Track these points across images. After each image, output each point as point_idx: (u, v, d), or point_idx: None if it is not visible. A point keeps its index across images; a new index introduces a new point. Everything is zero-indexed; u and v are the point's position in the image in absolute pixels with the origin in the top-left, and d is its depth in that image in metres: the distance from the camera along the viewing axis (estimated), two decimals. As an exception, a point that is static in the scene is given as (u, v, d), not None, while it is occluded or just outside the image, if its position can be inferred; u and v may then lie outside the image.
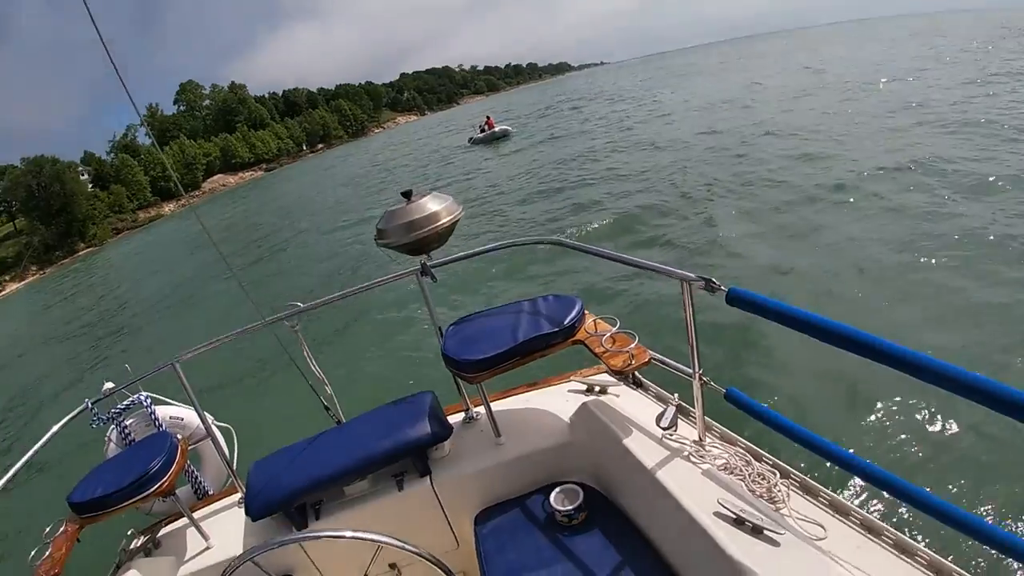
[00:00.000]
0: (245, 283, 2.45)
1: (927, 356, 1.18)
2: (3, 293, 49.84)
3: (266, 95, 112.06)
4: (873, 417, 4.47)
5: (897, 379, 1.37)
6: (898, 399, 4.52)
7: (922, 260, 6.87)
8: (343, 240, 18.59)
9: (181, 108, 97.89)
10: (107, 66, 1.80)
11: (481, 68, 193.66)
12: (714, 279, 1.68)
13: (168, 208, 75.73)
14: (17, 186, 58.14)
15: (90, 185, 69.32)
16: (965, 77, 20.15)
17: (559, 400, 2.59)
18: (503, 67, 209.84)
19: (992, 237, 7.13)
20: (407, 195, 2.25)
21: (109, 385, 2.86)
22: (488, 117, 35.34)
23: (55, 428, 2.55)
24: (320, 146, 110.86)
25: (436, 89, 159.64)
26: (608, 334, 2.17)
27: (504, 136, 32.67)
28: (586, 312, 2.34)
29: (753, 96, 25.55)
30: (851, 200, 9.49)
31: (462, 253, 2.76)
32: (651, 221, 10.92)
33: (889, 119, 15.48)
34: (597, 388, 2.57)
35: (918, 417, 4.36)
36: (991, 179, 9.22)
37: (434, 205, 2.20)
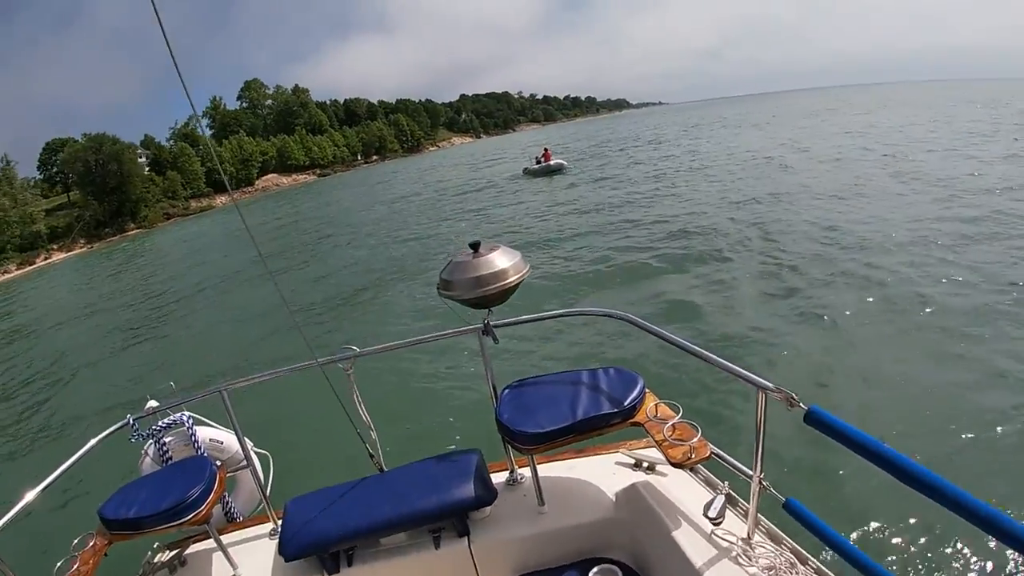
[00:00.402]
0: (301, 322, 2.19)
1: None
2: (49, 261, 49.89)
3: (327, 102, 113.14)
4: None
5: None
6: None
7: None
8: (380, 256, 18.46)
9: (244, 105, 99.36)
10: (171, 58, 1.73)
11: (540, 97, 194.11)
12: (795, 395, 1.62)
13: (220, 200, 75.72)
14: (76, 160, 58.44)
15: (147, 168, 69.53)
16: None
17: (606, 472, 2.58)
18: (562, 98, 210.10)
19: None
20: (475, 247, 2.32)
21: (153, 404, 2.85)
22: (546, 150, 34.47)
23: (93, 441, 2.54)
24: (375, 157, 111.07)
25: (494, 113, 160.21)
26: (670, 423, 2.12)
27: (559, 170, 31.94)
28: (647, 391, 2.30)
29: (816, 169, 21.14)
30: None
31: (526, 316, 2.72)
32: (713, 291, 9.83)
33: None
34: (645, 464, 2.54)
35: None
36: None
37: (502, 261, 2.25)
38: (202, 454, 2.93)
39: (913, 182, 15.80)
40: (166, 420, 2.95)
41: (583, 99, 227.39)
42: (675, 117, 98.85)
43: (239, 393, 2.63)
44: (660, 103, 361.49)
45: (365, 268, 16.98)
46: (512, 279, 2.21)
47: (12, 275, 46.30)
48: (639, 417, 2.19)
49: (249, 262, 21.94)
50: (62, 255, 51.09)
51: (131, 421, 2.74)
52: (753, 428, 1.79)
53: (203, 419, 3.13)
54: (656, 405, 2.23)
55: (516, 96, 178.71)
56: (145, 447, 3.00)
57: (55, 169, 66.90)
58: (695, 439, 2.02)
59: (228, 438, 3.11)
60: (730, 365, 1.87)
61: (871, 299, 8.33)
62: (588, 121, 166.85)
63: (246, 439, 2.85)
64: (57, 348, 16.31)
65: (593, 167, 34.18)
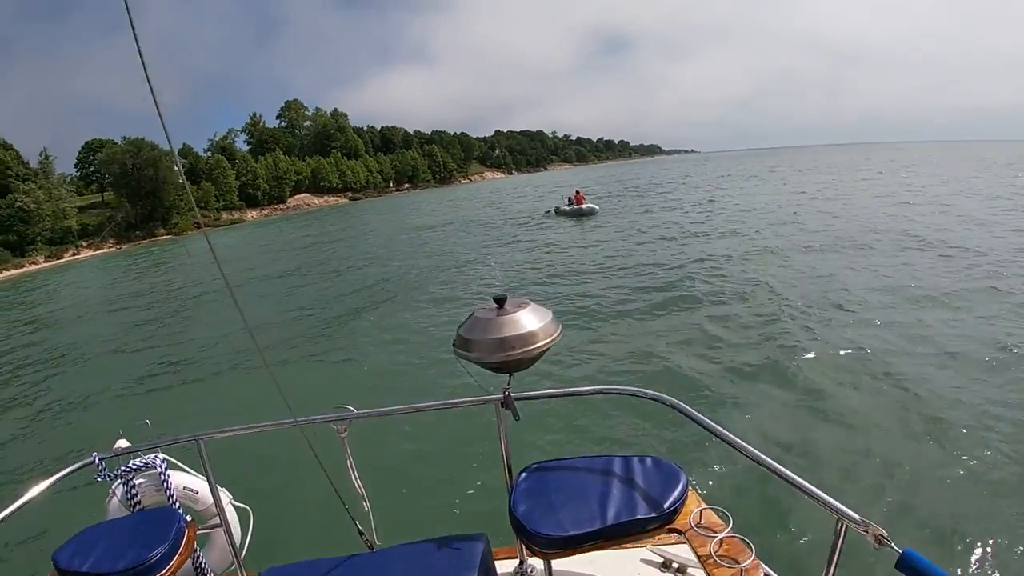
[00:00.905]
0: (278, 378, 1.90)
1: None
2: (77, 257, 49.80)
3: (364, 127, 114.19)
4: None
5: None
6: None
7: None
8: (395, 285, 18.00)
9: (283, 124, 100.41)
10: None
11: (573, 138, 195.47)
12: (885, 533, 1.37)
13: (251, 215, 76.11)
14: (113, 162, 58.71)
15: (182, 177, 69.79)
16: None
17: (628, 572, 2.23)
18: (595, 140, 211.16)
19: None
20: (500, 302, 2.05)
21: (123, 444, 2.63)
22: (577, 192, 34.02)
23: (55, 478, 2.36)
24: (407, 185, 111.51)
25: (527, 151, 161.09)
26: (718, 537, 1.84)
27: (591, 214, 31.27)
28: (691, 490, 1.94)
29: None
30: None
31: (553, 391, 2.45)
32: (778, 372, 8.19)
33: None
34: (675, 565, 2.19)
35: None
36: None
37: (531, 322, 1.98)
38: (174, 503, 2.71)
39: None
40: (137, 461, 2.72)
41: (616, 142, 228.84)
42: (708, 166, 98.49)
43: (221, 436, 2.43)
44: (692, 151, 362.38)
45: (378, 296, 16.27)
46: (541, 343, 1.95)
47: (39, 267, 46.46)
48: (680, 522, 1.86)
49: (272, 278, 22.68)
50: (91, 252, 51.01)
51: (96, 460, 2.52)
52: (822, 557, 1.53)
53: (178, 463, 2.90)
54: (701, 511, 1.95)
55: (550, 135, 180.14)
56: (113, 487, 2.78)
57: (92, 168, 67.27)
58: (748, 560, 1.77)
59: (203, 486, 2.79)
60: (803, 483, 1.59)
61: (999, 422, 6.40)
62: (619, 165, 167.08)
63: (224, 491, 2.71)
64: (64, 343, 16.66)
65: (630, 209, 34.00)
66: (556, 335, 2.00)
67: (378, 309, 15.02)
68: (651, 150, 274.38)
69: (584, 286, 14.76)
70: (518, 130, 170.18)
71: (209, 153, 79.75)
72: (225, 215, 72.06)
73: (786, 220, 23.07)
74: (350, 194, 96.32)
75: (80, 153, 69.08)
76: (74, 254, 49.77)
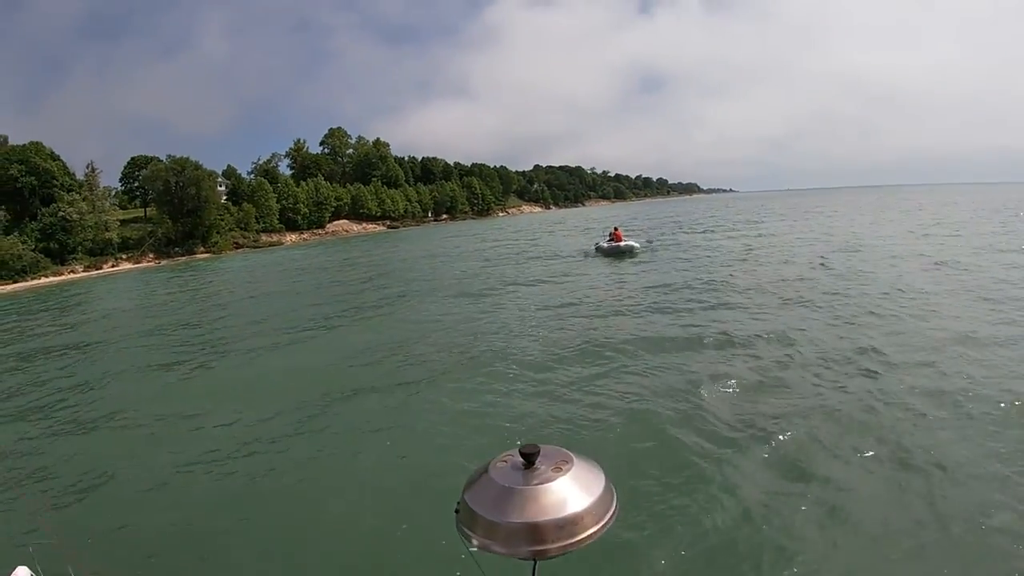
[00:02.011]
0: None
1: None
2: (116, 269, 50.35)
3: (405, 157, 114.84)
4: None
5: None
6: None
7: None
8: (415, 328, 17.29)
9: (326, 151, 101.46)
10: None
11: (612, 174, 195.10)
12: None
13: (290, 238, 76.24)
14: (157, 179, 59.54)
15: (224, 197, 70.65)
16: None
17: None
18: (633, 177, 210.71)
19: None
20: (528, 458, 1.45)
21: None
22: (616, 229, 32.93)
23: None
24: (444, 216, 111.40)
25: (565, 186, 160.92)
26: None
27: (629, 252, 30.54)
28: None
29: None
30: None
31: None
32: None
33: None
34: None
35: None
36: None
37: (576, 498, 1.38)
38: None
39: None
40: None
41: (654, 180, 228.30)
42: (740, 207, 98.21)
43: None
44: (731, 190, 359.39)
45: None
46: (590, 531, 1.36)
47: (78, 276, 47.14)
48: None
49: (305, 303, 23.12)
50: (129, 265, 51.55)
51: None
52: None
53: None
54: None
55: (588, 171, 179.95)
56: None
57: (136, 184, 68.70)
58: None
59: None
60: None
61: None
62: (655, 202, 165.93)
63: None
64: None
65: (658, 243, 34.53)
66: (611, 515, 1.40)
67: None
68: (689, 188, 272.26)
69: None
70: (557, 165, 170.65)
71: (252, 175, 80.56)
72: (264, 237, 72.24)
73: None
74: (388, 222, 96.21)
75: (125, 168, 71.04)
76: (113, 265, 50.35)
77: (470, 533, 1.40)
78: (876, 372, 9.98)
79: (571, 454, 1.48)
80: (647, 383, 10.38)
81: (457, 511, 1.46)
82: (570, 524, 1.33)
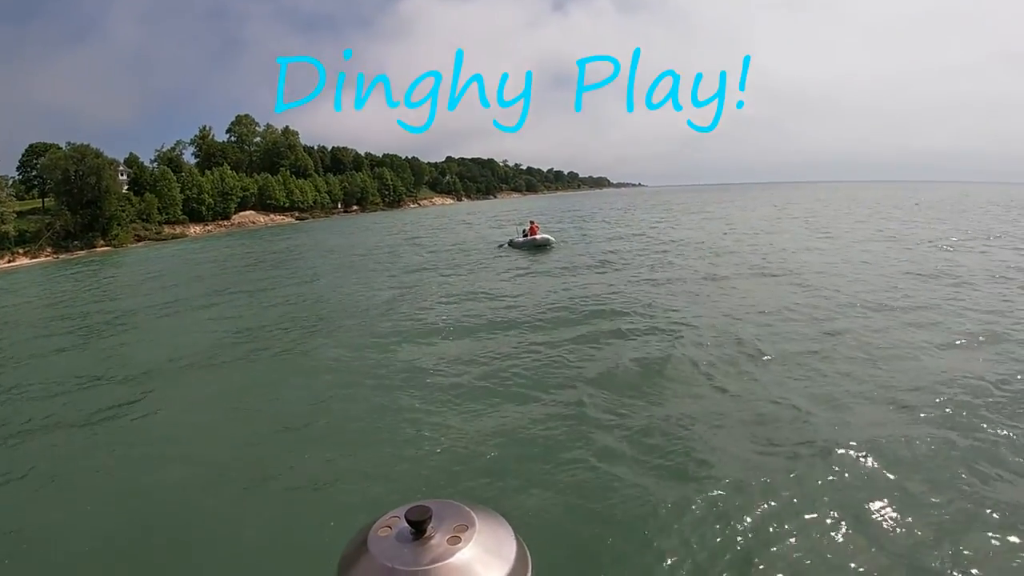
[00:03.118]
0: None
1: None
2: (13, 264, 48.75)
3: (315, 147, 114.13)
4: None
5: None
6: None
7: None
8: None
9: (232, 138, 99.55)
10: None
11: (524, 167, 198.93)
12: None
13: (194, 230, 75.08)
14: (55, 167, 57.48)
15: (125, 187, 68.75)
16: None
17: None
18: (545, 170, 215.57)
19: None
20: (418, 526, 1.04)
21: None
22: (532, 223, 32.76)
23: None
24: (355, 207, 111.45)
25: (477, 178, 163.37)
26: None
27: (545, 245, 30.29)
28: None
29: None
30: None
31: None
32: None
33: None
34: None
35: None
36: None
37: (491, 570, 1.02)
38: None
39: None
40: None
41: (566, 173, 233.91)
42: (646, 199, 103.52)
43: None
44: (640, 184, 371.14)
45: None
46: None
47: None
48: None
49: (207, 291, 23.50)
50: (26, 260, 49.95)
51: None
52: None
53: None
54: None
55: (500, 164, 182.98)
56: None
57: (34, 173, 66.06)
58: None
59: None
60: None
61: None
62: (567, 196, 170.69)
63: None
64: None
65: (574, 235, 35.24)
66: None
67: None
68: (599, 182, 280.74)
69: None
70: (469, 157, 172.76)
71: (156, 164, 78.65)
72: (167, 228, 71.04)
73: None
74: (297, 214, 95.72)
75: (23, 156, 67.85)
76: (9, 261, 48.73)
77: None
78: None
79: (471, 512, 1.13)
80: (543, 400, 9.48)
81: None
82: None
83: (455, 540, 1.05)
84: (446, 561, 1.01)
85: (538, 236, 30.58)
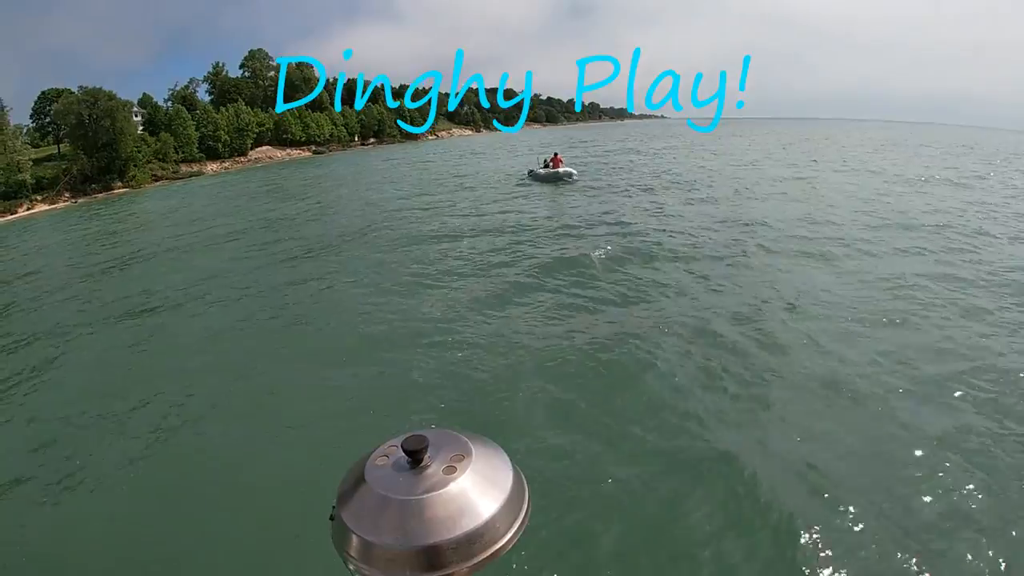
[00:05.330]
0: None
1: None
2: (32, 212, 49.26)
3: (330, 79, 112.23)
4: None
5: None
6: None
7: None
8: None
9: (246, 74, 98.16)
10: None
11: (544, 97, 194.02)
12: None
13: (211, 167, 75.26)
14: (69, 112, 57.22)
15: (140, 128, 68.70)
16: None
17: None
18: (564, 101, 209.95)
19: None
20: (414, 455, 1.07)
21: None
22: (556, 154, 32.01)
23: None
24: (372, 140, 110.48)
25: (496, 109, 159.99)
26: None
27: (567, 178, 29.36)
28: None
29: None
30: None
31: None
32: None
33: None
34: None
35: None
36: None
37: (480, 504, 1.03)
38: None
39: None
40: None
41: (587, 104, 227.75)
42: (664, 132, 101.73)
43: None
44: (662, 116, 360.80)
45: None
46: (499, 544, 1.03)
47: None
48: None
49: (227, 232, 23.82)
50: (46, 207, 50.47)
51: None
52: None
53: None
54: None
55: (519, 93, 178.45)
56: None
57: (47, 119, 65.95)
58: None
59: None
60: None
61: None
62: (588, 127, 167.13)
63: None
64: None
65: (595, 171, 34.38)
66: (524, 515, 1.09)
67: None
68: (620, 114, 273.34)
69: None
70: (488, 88, 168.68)
71: (170, 103, 78.24)
72: (184, 167, 71.28)
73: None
74: (313, 147, 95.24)
75: (36, 103, 67.77)
76: (28, 208, 49.23)
77: (349, 556, 1.05)
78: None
79: (467, 441, 1.15)
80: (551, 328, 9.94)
81: (332, 518, 1.10)
82: (474, 539, 1.01)
83: (451, 470, 1.08)
84: (441, 491, 1.04)
85: (560, 168, 29.84)
